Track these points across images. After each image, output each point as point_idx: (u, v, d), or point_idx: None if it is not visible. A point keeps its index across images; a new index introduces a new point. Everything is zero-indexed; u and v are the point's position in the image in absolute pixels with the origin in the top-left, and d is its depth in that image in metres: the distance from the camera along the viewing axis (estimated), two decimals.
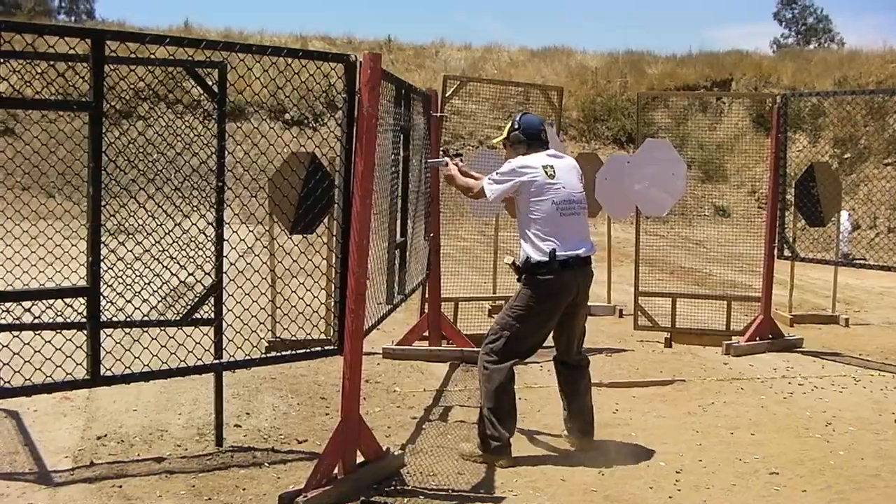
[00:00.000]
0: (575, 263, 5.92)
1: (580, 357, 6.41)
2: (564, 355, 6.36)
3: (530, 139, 6.21)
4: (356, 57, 5.26)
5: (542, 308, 5.94)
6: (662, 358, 9.33)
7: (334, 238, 5.62)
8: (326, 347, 5.48)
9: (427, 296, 9.05)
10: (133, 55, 5.29)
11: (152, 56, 5.33)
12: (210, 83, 5.90)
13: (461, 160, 6.81)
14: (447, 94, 9.02)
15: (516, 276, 6.14)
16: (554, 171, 6.00)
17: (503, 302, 9.69)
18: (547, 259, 5.85)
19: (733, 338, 9.68)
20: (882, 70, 26.92)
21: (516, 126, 6.25)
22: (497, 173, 6.16)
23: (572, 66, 30.13)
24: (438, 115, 8.49)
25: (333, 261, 5.59)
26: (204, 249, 6.01)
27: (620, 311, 11.53)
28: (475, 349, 8.52)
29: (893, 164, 22.83)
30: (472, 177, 6.62)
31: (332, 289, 5.64)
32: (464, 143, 23.43)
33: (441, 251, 9.05)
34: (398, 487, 5.40)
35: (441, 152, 7.43)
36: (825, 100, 23.71)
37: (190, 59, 5.61)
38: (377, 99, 5.23)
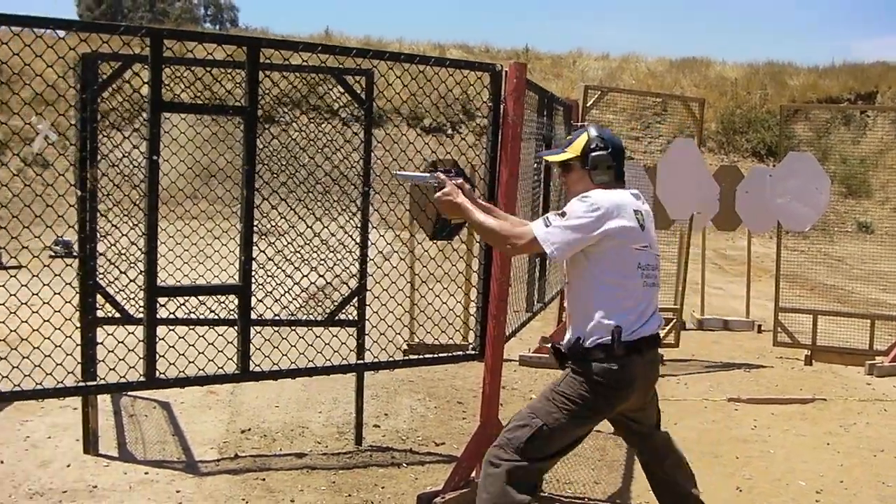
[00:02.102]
0: (647, 347, 4.15)
1: (660, 433, 4.61)
2: (645, 451, 4.60)
3: (619, 167, 4.30)
4: (502, 66, 5.33)
5: (593, 404, 4.11)
6: (802, 375, 9.14)
7: (477, 244, 5.68)
8: (468, 352, 5.55)
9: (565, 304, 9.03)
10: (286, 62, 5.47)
11: (304, 63, 5.49)
12: (357, 91, 6.02)
13: (466, 181, 4.63)
14: (588, 104, 9.02)
15: (557, 361, 4.40)
16: (644, 221, 4.17)
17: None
18: (609, 342, 4.05)
19: (877, 358, 9.42)
20: None
21: (600, 144, 4.26)
22: (562, 214, 4.08)
23: (711, 76, 29.75)
24: (579, 124, 8.49)
25: (476, 266, 5.64)
26: (348, 253, 6.16)
27: (759, 326, 11.35)
28: None
29: None
30: (490, 211, 4.53)
31: (474, 294, 5.69)
32: None
33: None
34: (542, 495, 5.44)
35: (430, 166, 5.07)
36: None
37: (340, 66, 5.74)
38: (522, 108, 5.28)
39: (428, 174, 4.62)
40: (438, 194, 4.40)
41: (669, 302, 9.85)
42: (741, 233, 12.10)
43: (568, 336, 4.24)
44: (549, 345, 4.56)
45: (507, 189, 5.16)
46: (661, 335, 4.55)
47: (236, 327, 4.84)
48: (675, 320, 9.65)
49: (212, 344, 5.18)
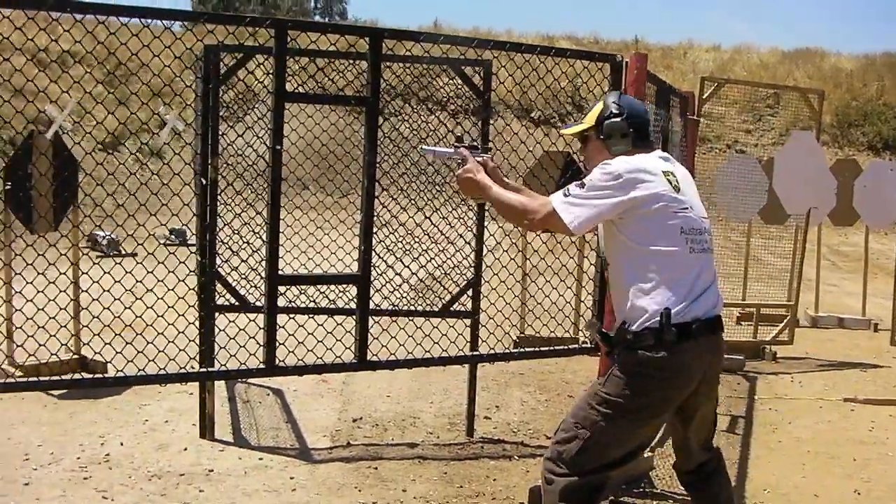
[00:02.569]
0: (703, 331, 3.64)
1: (709, 456, 4.08)
2: (685, 464, 4.10)
3: (639, 133, 3.91)
4: (622, 57, 5.28)
5: (644, 403, 3.66)
6: None
7: (595, 236, 5.65)
8: (582, 345, 5.53)
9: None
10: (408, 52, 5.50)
11: (426, 54, 5.52)
12: (476, 82, 6.02)
13: (490, 157, 4.28)
14: (704, 96, 8.88)
15: (605, 349, 4.14)
16: (678, 183, 3.75)
17: (753, 311, 9.52)
18: (658, 325, 3.59)
19: None
20: None
21: (615, 110, 3.91)
22: (582, 185, 3.73)
23: (825, 68, 29.04)
24: (695, 118, 8.38)
25: (595, 259, 5.61)
26: (465, 244, 6.18)
27: (875, 325, 11.06)
28: (725, 356, 8.39)
29: None
30: (513, 188, 4.18)
31: (589, 286, 5.66)
32: (711, 147, 22.99)
33: None
34: (646, 490, 5.39)
35: (455, 140, 4.42)
36: None
37: (462, 56, 5.75)
38: (642, 99, 5.23)
39: (452, 149, 4.28)
40: (459, 171, 4.10)
41: (783, 298, 9.70)
42: (856, 229, 11.83)
43: (618, 315, 3.82)
44: (597, 331, 3.96)
45: None
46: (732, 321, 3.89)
47: (354, 317, 4.88)
48: (789, 317, 9.47)
49: (330, 333, 5.26)
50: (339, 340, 5.12)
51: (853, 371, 8.83)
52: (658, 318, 3.58)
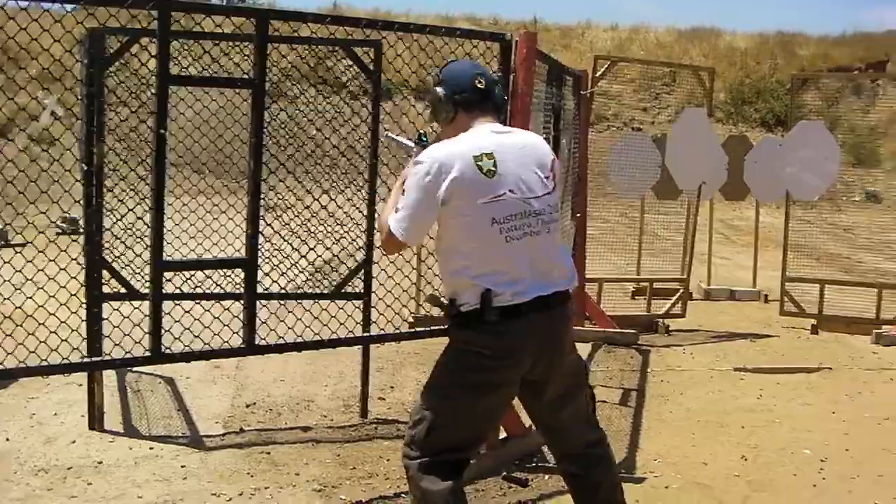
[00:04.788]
0: (532, 310, 3.52)
1: (591, 438, 3.95)
2: (563, 446, 3.97)
3: (465, 103, 3.67)
4: (512, 36, 5.31)
5: (475, 380, 3.58)
6: (808, 345, 9.14)
7: None
8: None
9: None
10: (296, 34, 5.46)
11: (313, 35, 5.49)
12: (366, 62, 5.98)
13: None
14: (597, 75, 8.98)
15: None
16: (495, 164, 3.49)
17: (647, 284, 9.68)
18: (479, 306, 3.49)
19: (884, 327, 9.41)
20: None
21: (433, 81, 3.78)
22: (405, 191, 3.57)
23: (720, 47, 29.57)
24: (587, 92, 8.46)
25: None
26: (356, 226, 6.17)
27: (766, 296, 11.32)
28: (618, 330, 8.54)
29: None
30: None
31: None
32: (608, 125, 23.27)
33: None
34: (539, 465, 5.44)
35: (418, 134, 4.12)
36: None
37: (349, 37, 5.72)
38: (532, 78, 5.28)
39: (413, 143, 4.11)
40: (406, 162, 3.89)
41: (678, 273, 9.87)
42: (748, 203, 12.07)
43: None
44: (437, 304, 3.77)
45: None
46: (576, 295, 3.58)
47: (242, 301, 4.85)
48: (682, 291, 9.65)
49: (217, 318, 5.21)
50: (227, 325, 5.08)
51: (743, 341, 9.04)
52: (478, 303, 3.49)
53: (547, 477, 5.27)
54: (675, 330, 9.33)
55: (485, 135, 3.59)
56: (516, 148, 3.60)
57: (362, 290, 6.00)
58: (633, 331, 8.64)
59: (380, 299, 5.71)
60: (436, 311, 6.09)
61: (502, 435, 5.46)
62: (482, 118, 3.67)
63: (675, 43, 29.75)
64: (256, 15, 4.67)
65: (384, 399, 6.66)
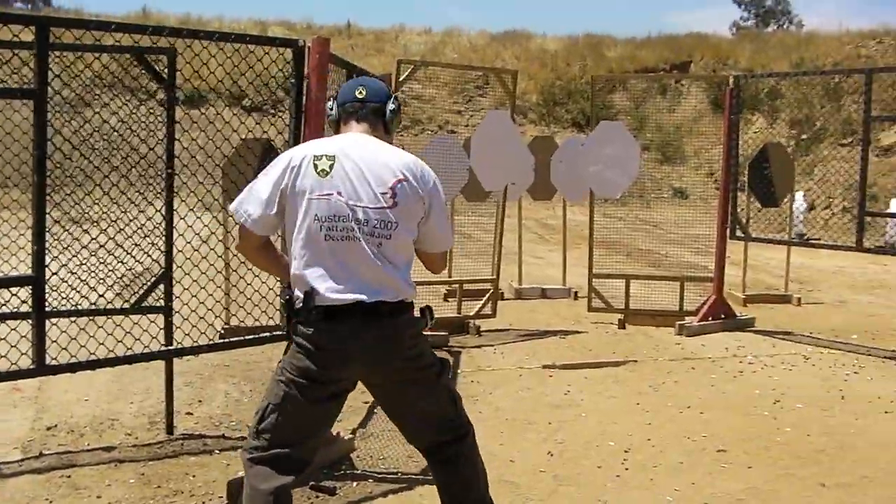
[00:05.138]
0: (354, 315, 3.63)
1: (442, 438, 3.99)
2: (413, 443, 4.15)
3: (344, 113, 3.93)
4: (304, 42, 5.27)
5: (304, 374, 3.68)
6: (616, 339, 9.41)
7: None
8: (276, 333, 5.49)
9: None
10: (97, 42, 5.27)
11: (99, 42, 5.31)
12: (160, 69, 5.85)
13: None
14: (401, 79, 9.01)
15: None
16: (332, 165, 3.65)
17: (457, 286, 9.75)
18: (304, 305, 3.66)
19: (686, 318, 9.76)
20: (838, 52, 27.23)
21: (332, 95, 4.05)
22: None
23: (532, 49, 30.23)
24: None
25: None
26: (154, 237, 6.02)
27: (575, 293, 11.61)
28: (428, 333, 8.56)
29: (849, 144, 23.05)
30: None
31: None
32: (423, 129, 23.45)
33: None
34: (347, 472, 5.42)
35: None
36: (781, 81, 23.92)
37: (137, 45, 5.57)
38: (325, 84, 5.25)
39: None
40: None
41: (487, 273, 9.99)
42: (558, 202, 12.35)
43: None
44: (284, 300, 3.88)
45: None
46: (417, 306, 3.82)
47: (30, 320, 4.66)
48: (491, 291, 9.77)
49: (4, 339, 5.00)
50: (14, 346, 4.87)
51: (553, 339, 9.24)
52: (303, 299, 3.63)
53: (355, 484, 5.25)
54: (487, 330, 9.45)
55: (339, 139, 3.81)
56: (358, 158, 3.69)
57: (163, 304, 5.86)
58: (443, 333, 8.70)
59: (193, 311, 5.59)
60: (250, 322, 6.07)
61: None
62: (356, 126, 3.87)
63: (488, 46, 30.26)
64: (36, 22, 4.51)
65: (192, 414, 6.51)
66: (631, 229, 15.54)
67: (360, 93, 3.88)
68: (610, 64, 29.12)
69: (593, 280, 10.19)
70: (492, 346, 8.75)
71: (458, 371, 7.84)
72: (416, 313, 3.86)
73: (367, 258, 3.66)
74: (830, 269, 15.46)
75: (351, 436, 5.92)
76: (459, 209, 10.91)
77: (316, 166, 3.64)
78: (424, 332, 3.92)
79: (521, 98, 27.19)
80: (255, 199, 3.68)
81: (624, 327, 9.89)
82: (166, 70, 5.76)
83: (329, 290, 3.62)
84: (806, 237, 16.82)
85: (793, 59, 27.33)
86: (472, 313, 9.56)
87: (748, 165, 10.50)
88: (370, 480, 5.31)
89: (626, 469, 5.60)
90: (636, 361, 8.32)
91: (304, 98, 5.29)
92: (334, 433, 5.59)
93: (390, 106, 3.93)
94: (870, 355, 8.96)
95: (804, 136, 24.59)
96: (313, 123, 5.11)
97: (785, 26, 50.17)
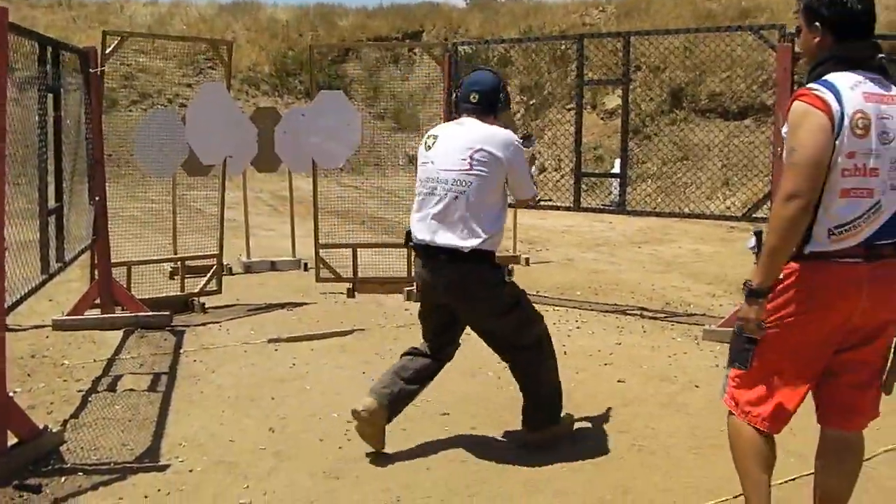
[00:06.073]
0: (428, 254, 5.11)
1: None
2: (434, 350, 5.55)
3: (459, 101, 5.28)
4: None
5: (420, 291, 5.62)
6: (345, 309, 9.38)
7: None
8: None
9: (96, 262, 8.56)
10: None
11: None
12: None
13: (532, 148, 5.75)
14: (108, 51, 8.58)
15: None
16: (434, 142, 5.17)
17: (180, 264, 9.47)
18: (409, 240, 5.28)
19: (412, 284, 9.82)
20: (564, 20, 28.08)
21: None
22: None
23: (262, 20, 29.82)
24: (96, 70, 8.09)
25: None
26: None
27: (305, 264, 11.45)
28: (150, 313, 8.29)
29: (575, 109, 23.86)
30: None
31: None
32: (153, 102, 22.68)
33: (125, 214, 8.65)
34: (56, 466, 5.11)
35: (524, 134, 6.27)
36: (511, 49, 24.51)
37: None
38: (5, 56, 4.90)
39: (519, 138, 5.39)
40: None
41: (211, 248, 9.72)
42: (283, 173, 12.18)
43: None
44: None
45: None
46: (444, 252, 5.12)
47: None
48: (215, 266, 9.53)
49: None
50: None
51: (281, 312, 9.13)
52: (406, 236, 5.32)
53: (63, 479, 4.95)
54: (213, 307, 9.22)
55: (447, 125, 5.48)
56: (452, 135, 5.15)
57: None
58: (166, 313, 8.43)
59: None
60: None
61: (12, 441, 5.07)
62: (466, 116, 5.24)
63: (217, 17, 29.63)
64: None
65: None
66: (367, 198, 15.61)
67: (474, 98, 5.20)
68: (343, 33, 29.05)
69: (321, 250, 10.11)
70: (217, 322, 8.53)
71: (181, 350, 7.60)
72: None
73: (442, 212, 5.04)
74: (559, 229, 15.98)
75: (60, 428, 5.60)
76: (189, 183, 10.60)
77: (425, 143, 5.24)
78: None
79: (253, 70, 26.79)
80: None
81: (353, 296, 9.86)
82: None
83: (417, 232, 5.16)
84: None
85: (521, 27, 27.99)
86: (195, 291, 9.29)
87: None
88: (80, 473, 5.02)
89: (349, 440, 5.54)
90: (364, 330, 8.32)
91: None
92: (41, 427, 5.28)
93: (500, 97, 5.26)
94: (591, 310, 9.31)
95: (533, 102, 25.30)
96: None
97: None
